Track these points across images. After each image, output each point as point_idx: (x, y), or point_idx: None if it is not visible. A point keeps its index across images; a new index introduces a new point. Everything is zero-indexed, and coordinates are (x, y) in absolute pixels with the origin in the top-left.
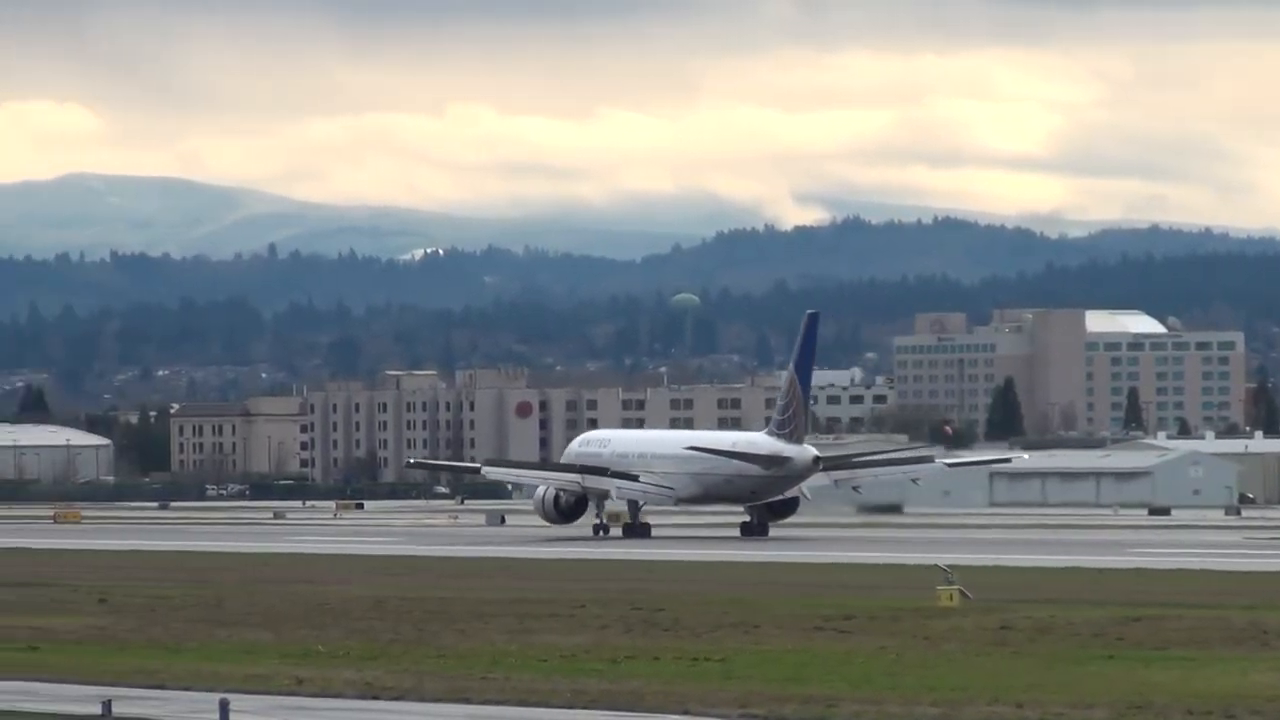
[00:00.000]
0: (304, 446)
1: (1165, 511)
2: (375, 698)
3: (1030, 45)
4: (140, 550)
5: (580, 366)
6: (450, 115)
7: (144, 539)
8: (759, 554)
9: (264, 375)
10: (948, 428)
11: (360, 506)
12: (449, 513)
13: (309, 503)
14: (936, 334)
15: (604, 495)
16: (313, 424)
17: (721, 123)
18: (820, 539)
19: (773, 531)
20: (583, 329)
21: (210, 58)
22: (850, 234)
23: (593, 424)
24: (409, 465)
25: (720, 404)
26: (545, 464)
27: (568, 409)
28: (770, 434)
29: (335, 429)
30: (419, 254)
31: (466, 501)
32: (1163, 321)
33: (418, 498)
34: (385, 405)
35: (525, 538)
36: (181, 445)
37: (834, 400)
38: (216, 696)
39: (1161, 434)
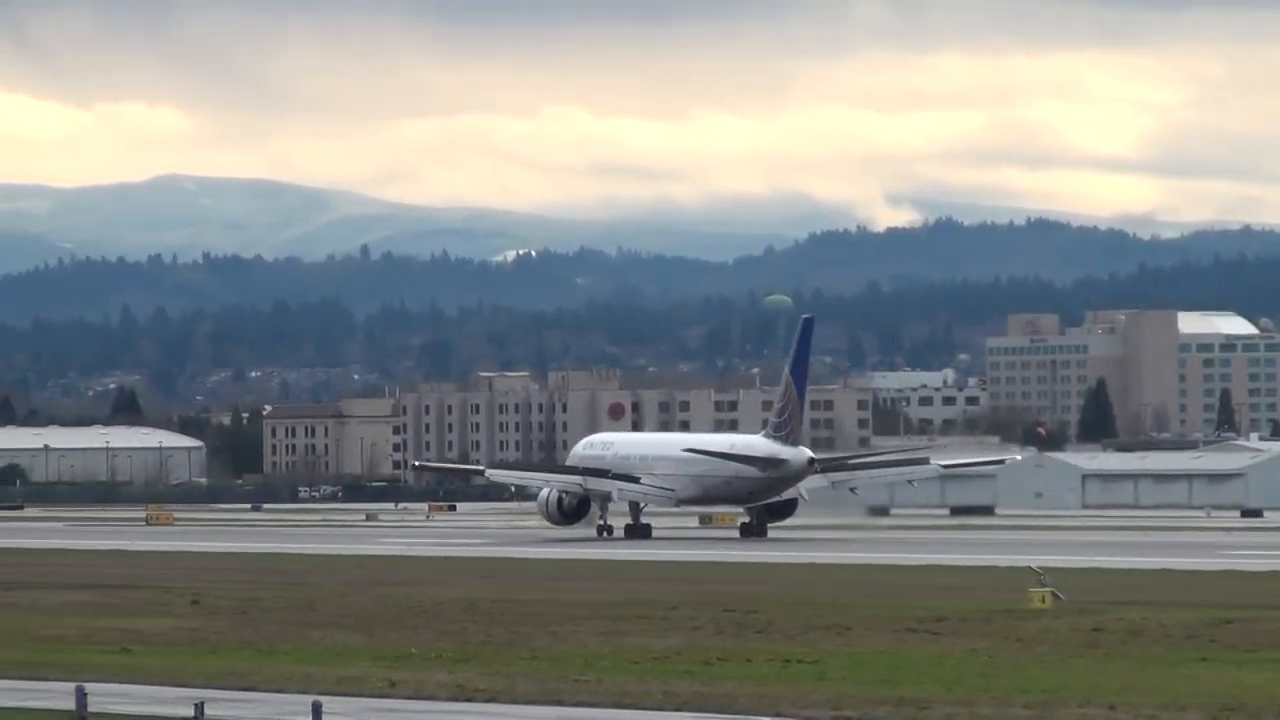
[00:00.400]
0: (396, 448)
1: (1258, 513)
2: (468, 700)
3: (1122, 46)
4: (233, 552)
5: (672, 368)
6: (543, 116)
7: (236, 541)
8: (852, 556)
9: (356, 377)
10: (1041, 429)
11: (453, 508)
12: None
13: (401, 505)
14: (1029, 335)
15: (606, 497)
16: (405, 425)
17: (814, 124)
18: (909, 540)
19: (864, 533)
20: (675, 330)
21: (301, 59)
22: (943, 235)
23: (685, 426)
24: (415, 467)
25: (812, 406)
26: (548, 466)
27: (660, 410)
28: (767, 436)
29: (428, 431)
30: (512, 255)
31: None
32: (1255, 323)
33: (510, 500)
34: (478, 407)
35: (616, 539)
36: (274, 447)
37: (926, 402)
38: (309, 699)
39: (1254, 435)
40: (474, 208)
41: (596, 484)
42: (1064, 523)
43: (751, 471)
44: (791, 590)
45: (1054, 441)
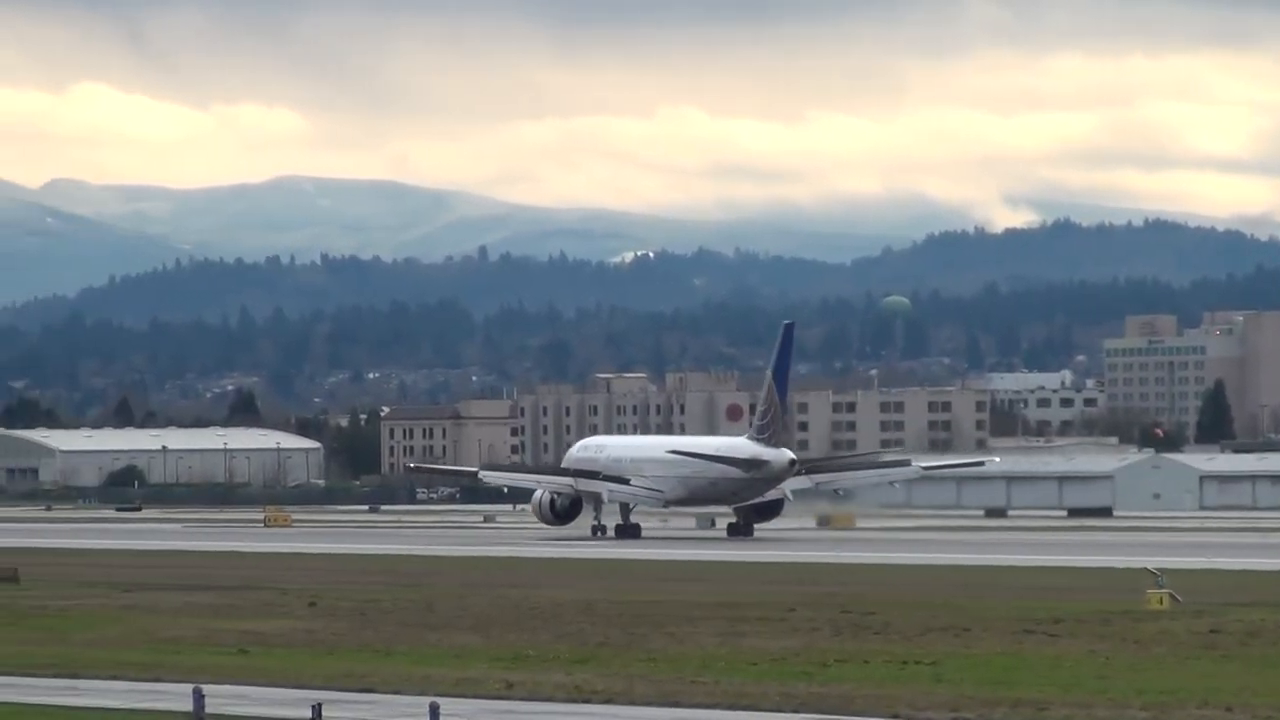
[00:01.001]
0: (514, 450)
1: None
2: (585, 701)
3: (1239, 48)
4: (350, 553)
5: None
6: (660, 118)
7: (354, 542)
8: (970, 558)
9: (474, 378)
10: (1158, 430)
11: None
12: (660, 515)
13: (519, 506)
14: (1147, 337)
15: (597, 498)
16: (523, 427)
17: (931, 124)
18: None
19: (981, 535)
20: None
21: (417, 60)
22: (1060, 236)
23: (803, 427)
24: (409, 470)
25: (930, 407)
26: (540, 468)
27: None
28: (751, 438)
29: (545, 432)
30: (629, 256)
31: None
32: None
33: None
34: (596, 408)
35: (735, 539)
36: (391, 448)
37: (1044, 403)
38: (426, 700)
39: None
40: (591, 208)
41: (587, 485)
42: (1181, 524)
43: (735, 472)
44: (909, 591)
45: (1171, 443)
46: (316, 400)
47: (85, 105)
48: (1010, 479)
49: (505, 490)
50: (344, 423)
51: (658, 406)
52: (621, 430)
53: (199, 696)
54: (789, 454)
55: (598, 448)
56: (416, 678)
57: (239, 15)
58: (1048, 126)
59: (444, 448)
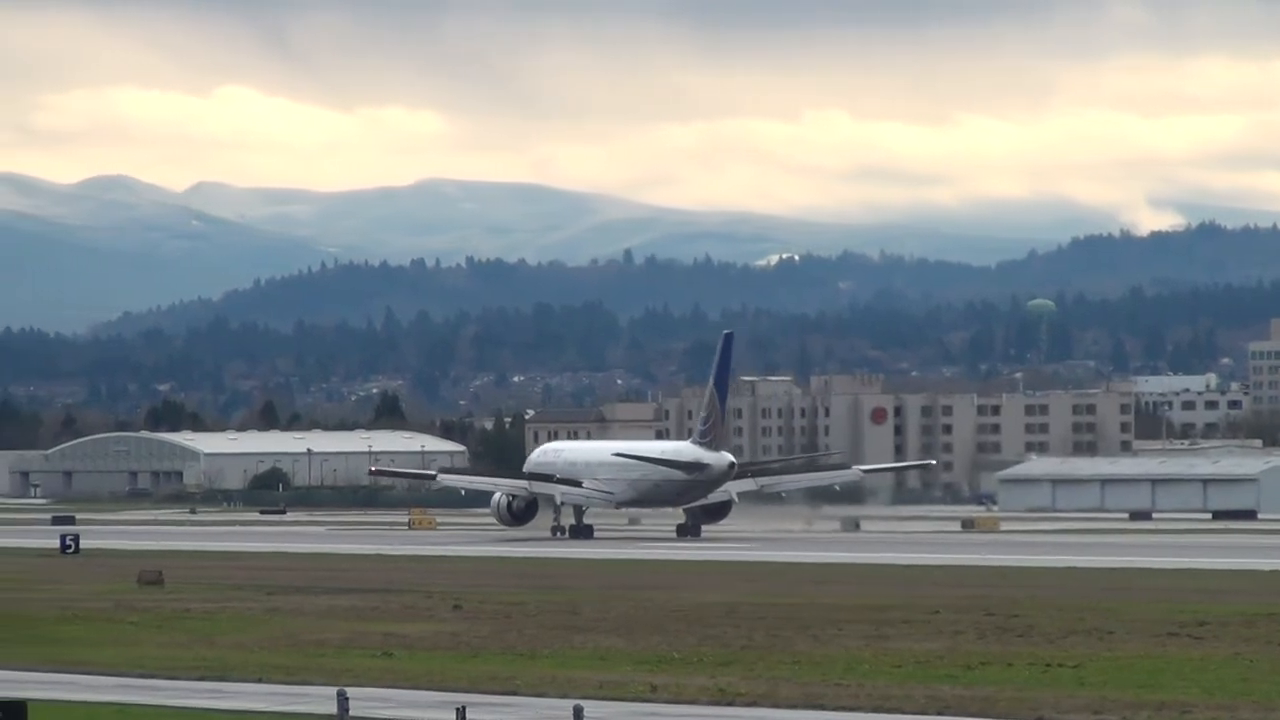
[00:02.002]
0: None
1: None
2: (729, 705)
3: None
4: (494, 556)
5: (935, 372)
6: (806, 121)
7: (498, 545)
8: (1114, 560)
9: (619, 381)
10: None
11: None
12: (804, 519)
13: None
14: None
15: (551, 500)
16: (668, 429)
17: (1075, 127)
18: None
19: (1124, 538)
20: (937, 334)
21: (561, 62)
22: (1205, 239)
23: (947, 430)
24: (370, 474)
25: (1075, 410)
26: (496, 472)
27: (922, 415)
28: (694, 443)
29: (690, 435)
30: (774, 259)
31: (822, 508)
32: None
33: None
34: (740, 411)
35: (878, 541)
36: None
37: (1188, 406)
38: (570, 703)
39: None
40: (736, 211)
41: (542, 488)
42: None
43: (678, 475)
44: (1053, 594)
45: None
46: (461, 403)
47: (229, 108)
48: (1155, 482)
49: (463, 493)
50: (489, 425)
51: (802, 409)
52: (765, 434)
53: (343, 699)
54: (728, 457)
55: (555, 452)
56: (560, 680)
57: (381, 17)
58: (1193, 128)
59: None
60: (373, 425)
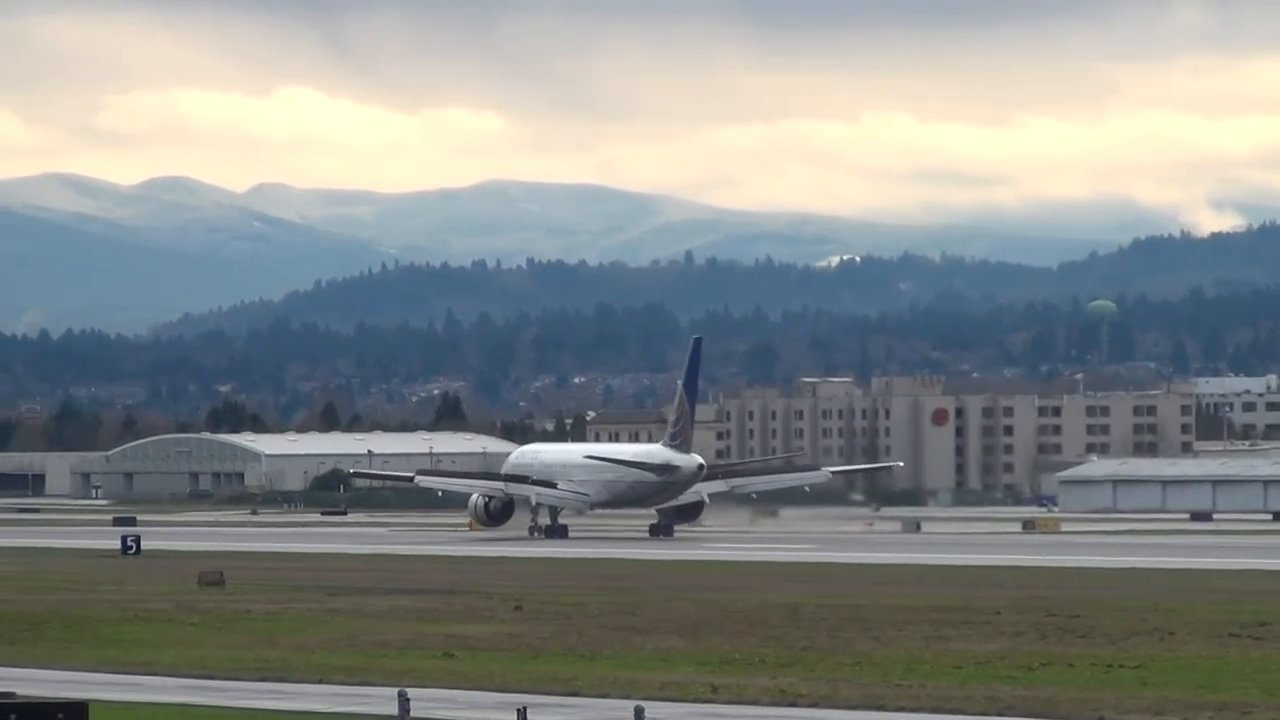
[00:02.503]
0: (720, 454)
1: None
2: (790, 705)
3: None
4: (554, 557)
5: (996, 373)
6: (867, 122)
7: (558, 546)
8: (1174, 561)
9: (680, 382)
10: None
11: (774, 514)
12: (865, 520)
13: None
14: None
15: (526, 501)
16: (729, 431)
17: (1136, 128)
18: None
19: (1185, 539)
20: (998, 335)
21: (622, 63)
22: (1267, 240)
23: (1008, 431)
24: (351, 474)
25: (1136, 411)
26: (473, 474)
27: (984, 416)
28: (665, 445)
29: (751, 436)
30: (835, 260)
31: (882, 509)
32: None
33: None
34: (801, 412)
35: (939, 543)
36: None
37: (1249, 407)
38: (631, 704)
39: None
40: (797, 213)
41: (518, 489)
42: None
43: (649, 477)
44: (1114, 595)
45: None
46: (522, 404)
47: (289, 109)
48: (1215, 483)
49: (440, 494)
50: (550, 427)
51: (863, 411)
52: (826, 435)
53: (404, 700)
54: (698, 459)
55: (533, 454)
56: (621, 681)
57: (443, 19)
58: (1254, 130)
59: None
60: (434, 427)
